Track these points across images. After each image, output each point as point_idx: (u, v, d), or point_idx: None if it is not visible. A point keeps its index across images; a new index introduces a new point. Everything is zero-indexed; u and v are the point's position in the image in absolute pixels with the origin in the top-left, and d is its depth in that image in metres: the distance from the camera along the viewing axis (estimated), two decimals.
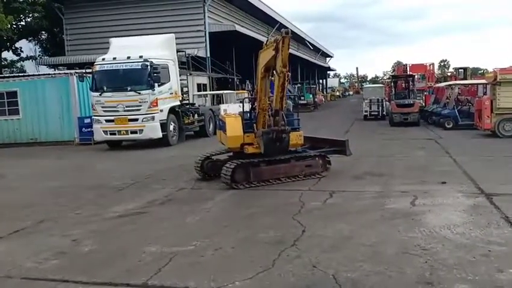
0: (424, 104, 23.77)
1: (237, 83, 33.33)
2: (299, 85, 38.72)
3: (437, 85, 24.75)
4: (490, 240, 4.82)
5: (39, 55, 33.13)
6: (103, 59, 14.89)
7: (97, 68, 14.73)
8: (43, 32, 32.88)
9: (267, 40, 7.75)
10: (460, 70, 31.14)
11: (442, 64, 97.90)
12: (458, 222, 5.49)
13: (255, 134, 8.14)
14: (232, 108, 9.35)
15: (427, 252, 4.54)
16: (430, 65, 33.25)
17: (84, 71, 16.09)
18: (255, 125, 8.20)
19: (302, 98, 36.17)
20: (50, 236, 5.73)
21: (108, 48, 16.01)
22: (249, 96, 27.27)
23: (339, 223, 5.70)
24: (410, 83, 22.36)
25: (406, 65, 33.20)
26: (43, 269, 4.58)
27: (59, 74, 19.63)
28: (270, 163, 8.19)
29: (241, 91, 28.43)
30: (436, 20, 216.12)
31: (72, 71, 17.76)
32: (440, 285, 3.79)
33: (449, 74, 39.04)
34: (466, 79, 26.82)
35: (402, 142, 14.10)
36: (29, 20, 30.74)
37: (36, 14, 29.02)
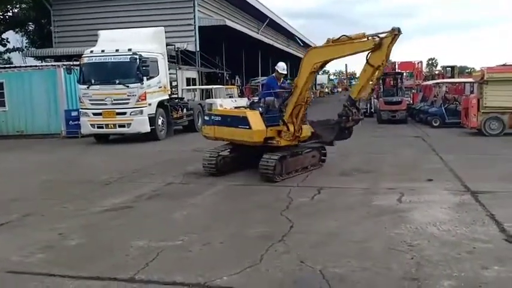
0: (411, 101, 23.93)
1: (227, 78, 33.23)
2: (288, 81, 38.76)
3: (425, 83, 24.94)
4: (475, 237, 4.89)
5: (26, 46, 32.66)
6: (91, 52, 14.71)
7: (85, 60, 14.56)
8: (30, 23, 32.39)
9: (330, 38, 7.69)
10: (447, 68, 31.41)
11: (430, 62, 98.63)
12: (444, 219, 5.55)
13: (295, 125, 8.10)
14: (227, 103, 9.22)
15: (413, 248, 4.59)
16: (418, 63, 33.46)
17: (71, 63, 15.93)
18: (281, 119, 8.14)
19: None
20: (36, 230, 5.68)
21: (96, 40, 15.79)
22: (238, 91, 27.40)
23: (326, 219, 5.74)
24: (399, 80, 22.50)
25: (395, 62, 33.34)
26: (29, 262, 4.54)
27: (46, 66, 19.44)
28: (293, 155, 8.49)
29: (230, 86, 28.38)
30: (425, 18, 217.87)
31: (60, 63, 17.53)
32: (426, 282, 3.84)
33: (437, 72, 39.40)
34: (453, 77, 27.07)
35: (390, 139, 14.19)
36: (16, 11, 30.27)
37: (23, 5, 28.58)
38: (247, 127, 8.09)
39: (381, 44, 7.24)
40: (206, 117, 9.24)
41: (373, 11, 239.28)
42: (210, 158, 8.59)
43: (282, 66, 9.30)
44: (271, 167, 7.86)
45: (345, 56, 7.82)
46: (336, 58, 7.93)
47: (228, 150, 8.82)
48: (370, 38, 7.39)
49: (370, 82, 7.87)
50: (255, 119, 8.15)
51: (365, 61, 7.51)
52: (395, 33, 7.19)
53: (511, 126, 14.16)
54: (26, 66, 19.54)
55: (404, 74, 27.33)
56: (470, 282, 3.82)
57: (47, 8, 28.01)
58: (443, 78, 26.78)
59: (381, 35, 7.28)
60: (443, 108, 17.88)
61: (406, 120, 20.10)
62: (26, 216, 6.29)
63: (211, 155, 8.62)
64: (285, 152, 8.26)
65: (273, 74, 9.44)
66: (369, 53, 7.43)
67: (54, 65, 17.86)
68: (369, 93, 8.07)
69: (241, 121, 8.22)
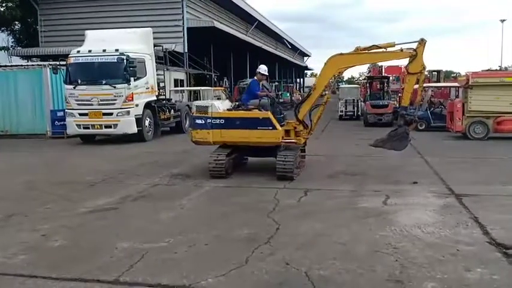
0: (398, 105, 24.12)
1: (215, 79, 33.19)
2: (276, 83, 38.77)
3: None
4: (459, 239, 4.94)
5: (12, 45, 32.25)
6: (78, 51, 14.60)
7: (71, 60, 14.43)
8: (16, 22, 32.00)
9: (357, 47, 8.44)
10: (433, 73, 31.71)
11: None
12: (429, 222, 5.60)
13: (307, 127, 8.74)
14: (225, 105, 8.98)
15: (398, 250, 4.62)
16: (405, 67, 33.75)
17: (58, 63, 15.76)
18: (297, 119, 8.61)
19: (280, 96, 36.27)
20: (19, 230, 5.60)
21: (83, 40, 15.68)
22: (226, 93, 27.34)
23: (312, 221, 5.75)
24: (385, 84, 22.69)
25: (382, 66, 33.62)
26: (11, 264, 4.48)
27: (32, 65, 19.19)
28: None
29: (218, 88, 28.34)
30: (411, 23, 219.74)
31: (46, 63, 17.33)
32: (410, 284, 3.86)
33: None
34: (439, 82, 27.34)
35: None
36: (2, 9, 29.86)
37: (9, 4, 28.21)
38: (271, 128, 8.28)
39: (416, 54, 8.18)
40: (199, 121, 8.52)
41: (358, 15, 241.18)
42: (218, 160, 8.46)
43: (263, 68, 9.49)
44: (290, 163, 8.13)
45: (372, 62, 8.60)
46: (361, 64, 8.95)
47: (226, 152, 8.66)
48: (404, 50, 8.30)
49: (416, 86, 8.76)
50: (274, 120, 8.42)
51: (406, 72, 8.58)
52: (424, 42, 8.18)
53: (495, 131, 14.36)
54: (11, 66, 19.27)
55: (391, 77, 27.59)
56: (453, 284, 3.86)
57: (34, 7, 27.73)
58: (429, 82, 27.02)
59: (414, 47, 8.23)
60: (428, 112, 18.07)
61: (392, 123, 20.26)
62: (9, 217, 6.19)
63: (219, 158, 8.47)
64: (292, 151, 8.51)
65: (254, 77, 9.58)
66: (407, 65, 8.47)
67: (40, 65, 17.65)
68: (420, 98, 9.08)
69: (261, 122, 8.31)
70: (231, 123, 8.40)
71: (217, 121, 8.42)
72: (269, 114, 8.38)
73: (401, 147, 8.55)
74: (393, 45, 8.27)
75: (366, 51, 8.32)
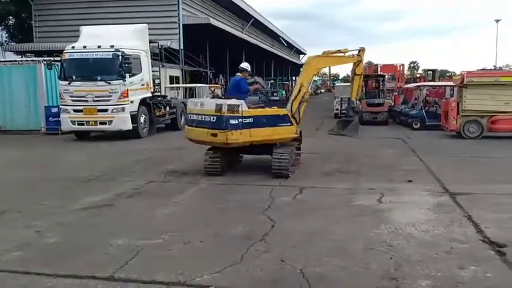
0: (393, 104, 24.20)
1: (210, 76, 33.13)
2: (272, 81, 38.77)
3: (407, 86, 25.24)
4: (453, 237, 4.96)
5: (5, 41, 32.08)
6: (73, 47, 14.50)
7: (66, 56, 14.35)
8: (10, 17, 31.82)
9: (325, 51, 9.72)
10: (428, 72, 31.89)
11: (411, 65, 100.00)
12: (423, 220, 5.63)
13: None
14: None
15: (392, 248, 4.64)
16: (400, 66, 33.89)
17: (52, 58, 15.67)
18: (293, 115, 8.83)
19: (275, 94, 36.28)
20: (13, 227, 5.57)
21: (78, 36, 15.60)
22: (222, 90, 27.30)
23: (308, 219, 5.76)
24: (381, 83, 22.73)
25: (377, 65, 33.70)
26: (5, 260, 4.45)
27: (26, 61, 19.07)
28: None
29: (214, 85, 28.30)
30: (407, 23, 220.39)
31: (40, 59, 17.25)
32: (404, 281, 3.88)
33: (418, 75, 39.93)
34: (434, 81, 27.46)
35: (371, 141, 14.32)
36: None
37: None
38: (289, 124, 8.58)
39: (361, 60, 10.13)
40: (233, 121, 7.92)
41: (356, 14, 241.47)
42: (213, 157, 8.42)
43: (247, 65, 9.61)
44: (285, 161, 8.19)
45: (338, 65, 9.64)
46: (331, 66, 10.45)
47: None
48: (355, 55, 10.19)
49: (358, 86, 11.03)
50: (290, 115, 8.69)
51: (352, 73, 10.18)
52: (364, 50, 10.24)
53: (489, 130, 14.43)
54: (5, 61, 19.15)
55: (387, 76, 27.64)
56: (447, 281, 3.88)
57: (28, 2, 27.54)
58: (424, 81, 27.15)
59: (359, 53, 10.19)
60: (423, 111, 18.13)
61: (387, 122, 20.34)
62: (3, 213, 6.16)
63: (214, 156, 8.42)
64: (287, 148, 8.58)
65: (239, 74, 9.42)
66: (354, 67, 10.16)
67: (35, 60, 17.56)
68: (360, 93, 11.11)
69: (282, 119, 8.52)
70: (258, 121, 8.23)
71: (247, 120, 8.10)
72: (287, 111, 8.67)
73: (355, 134, 9.63)
74: (347, 51, 10.07)
75: (331, 54, 9.78)
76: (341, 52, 9.98)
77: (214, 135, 8.00)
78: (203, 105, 8.38)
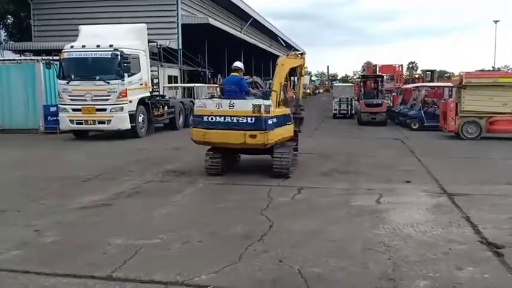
0: (392, 104, 24.25)
1: (209, 76, 33.12)
2: (270, 81, 38.78)
3: (405, 86, 25.28)
4: (451, 238, 4.98)
5: (4, 40, 32.03)
6: (71, 47, 14.50)
7: (65, 55, 14.35)
8: (9, 16, 31.78)
9: (287, 53, 10.75)
10: (427, 72, 31.90)
11: (410, 66, 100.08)
12: (421, 221, 5.64)
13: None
14: None
15: (391, 249, 4.65)
16: (399, 66, 33.95)
17: (51, 57, 15.65)
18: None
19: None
20: (12, 226, 5.57)
21: (77, 35, 15.59)
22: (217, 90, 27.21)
23: (306, 219, 5.77)
24: (379, 83, 22.78)
25: (376, 65, 33.80)
26: (4, 259, 4.45)
27: (25, 60, 19.06)
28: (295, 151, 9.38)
29: (212, 85, 28.28)
30: (406, 23, 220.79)
31: (39, 58, 17.23)
32: (402, 282, 3.89)
33: (417, 76, 39.99)
34: (433, 81, 27.49)
35: (369, 141, 14.35)
36: None
37: None
38: (291, 122, 8.94)
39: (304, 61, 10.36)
40: (270, 121, 7.86)
41: (355, 14, 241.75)
42: (213, 157, 8.36)
43: (241, 63, 9.58)
44: (286, 160, 8.19)
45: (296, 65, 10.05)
46: (294, 65, 9.96)
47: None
48: (300, 56, 10.56)
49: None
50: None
51: (297, 74, 10.48)
52: (305, 53, 11.16)
53: (487, 131, 14.47)
54: (3, 60, 19.15)
55: (385, 76, 27.69)
56: (445, 282, 3.89)
57: (27, 1, 27.50)
58: (423, 82, 27.17)
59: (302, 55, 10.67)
60: (422, 111, 18.17)
61: (386, 122, 20.37)
62: (2, 212, 6.16)
63: (215, 156, 8.36)
64: (287, 148, 8.58)
65: (235, 73, 9.17)
66: (299, 68, 10.23)
67: (33, 59, 17.56)
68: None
69: (288, 118, 8.81)
70: (279, 121, 8.23)
71: (275, 120, 8.08)
72: (289, 110, 8.99)
73: (299, 128, 9.55)
74: (305, 52, 11.33)
75: (293, 56, 10.46)
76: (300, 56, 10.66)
77: (253, 136, 7.79)
78: (234, 106, 7.95)
